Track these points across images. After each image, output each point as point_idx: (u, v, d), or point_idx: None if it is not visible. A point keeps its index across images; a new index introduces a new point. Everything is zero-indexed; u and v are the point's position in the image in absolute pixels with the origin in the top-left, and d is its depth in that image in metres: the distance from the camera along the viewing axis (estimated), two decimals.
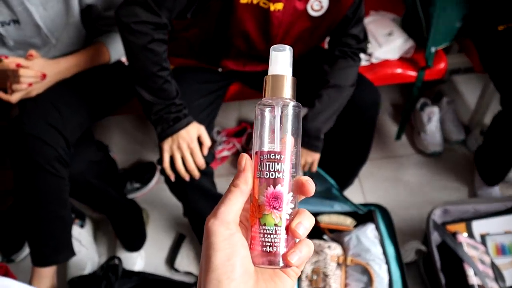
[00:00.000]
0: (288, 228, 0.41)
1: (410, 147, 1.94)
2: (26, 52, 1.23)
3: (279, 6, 1.13)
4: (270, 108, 0.42)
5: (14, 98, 1.17)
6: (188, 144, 1.15)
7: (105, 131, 1.99)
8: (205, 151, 1.19)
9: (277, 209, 0.41)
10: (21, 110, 1.19)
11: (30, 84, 1.17)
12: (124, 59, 1.42)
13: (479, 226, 1.45)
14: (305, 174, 1.41)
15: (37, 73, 1.17)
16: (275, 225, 0.40)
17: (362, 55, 1.44)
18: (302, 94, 1.41)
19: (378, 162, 1.87)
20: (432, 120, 1.88)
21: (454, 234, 1.38)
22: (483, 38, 1.57)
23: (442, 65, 1.64)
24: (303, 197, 0.43)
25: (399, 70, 1.63)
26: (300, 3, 1.16)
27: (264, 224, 0.41)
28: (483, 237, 1.43)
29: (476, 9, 1.59)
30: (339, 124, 1.32)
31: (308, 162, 1.31)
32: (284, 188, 0.41)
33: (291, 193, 0.41)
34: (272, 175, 0.41)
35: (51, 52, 1.29)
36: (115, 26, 1.31)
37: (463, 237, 1.38)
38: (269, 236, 0.40)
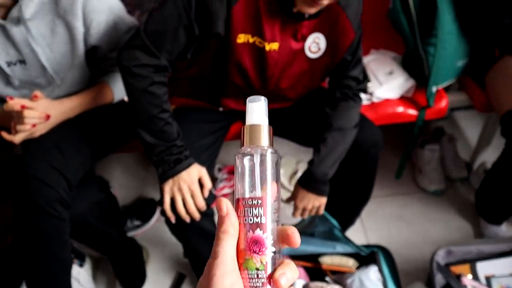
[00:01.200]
0: (270, 277, 0.42)
1: (412, 185, 1.94)
2: (30, 91, 1.24)
3: (275, 46, 1.15)
4: (249, 156, 0.44)
5: (18, 138, 1.18)
6: (189, 186, 1.15)
7: (106, 167, 1.99)
8: (206, 193, 1.19)
9: (257, 253, 0.42)
10: (24, 151, 1.20)
11: (34, 125, 1.18)
12: (127, 98, 1.43)
13: (484, 268, 1.43)
14: (313, 218, 1.41)
15: (41, 114, 1.18)
16: (257, 269, 0.42)
17: (362, 95, 1.45)
18: (304, 135, 1.43)
19: (380, 200, 1.86)
20: (433, 157, 1.88)
21: (458, 277, 1.36)
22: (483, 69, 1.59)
23: (443, 104, 1.65)
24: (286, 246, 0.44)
25: (400, 109, 1.64)
26: (297, 44, 1.18)
27: (247, 269, 0.42)
28: (488, 279, 1.41)
29: (476, 47, 1.62)
30: (341, 164, 1.32)
31: (315, 206, 1.31)
32: (264, 233, 0.42)
33: (271, 238, 0.42)
34: (251, 220, 0.42)
35: (55, 92, 1.31)
36: None
37: (468, 279, 1.36)
38: (251, 280, 0.42)
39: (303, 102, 1.36)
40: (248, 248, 0.42)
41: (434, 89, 1.60)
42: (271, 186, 0.43)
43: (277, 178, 0.44)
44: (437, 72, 1.58)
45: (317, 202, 1.30)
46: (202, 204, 1.17)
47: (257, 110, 0.45)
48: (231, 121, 1.47)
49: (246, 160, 0.44)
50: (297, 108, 1.40)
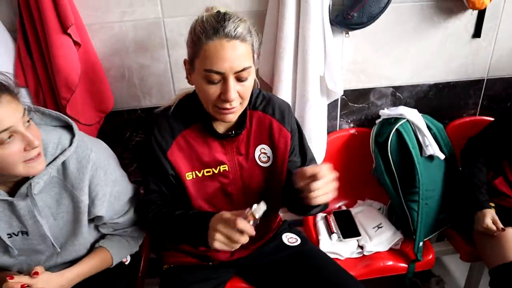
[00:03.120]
0: None
1: None
2: (28, 258, 1.24)
3: (224, 167, 1.25)
4: None
5: None
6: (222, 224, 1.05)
7: None
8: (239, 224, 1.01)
9: None
10: None
11: None
12: (124, 259, 1.44)
13: None
14: None
15: None
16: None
17: (354, 247, 1.52)
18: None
19: None
20: None
21: None
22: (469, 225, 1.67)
23: (430, 256, 1.70)
24: None
25: (390, 263, 1.68)
26: (242, 157, 1.27)
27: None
28: None
29: (456, 200, 1.72)
30: None
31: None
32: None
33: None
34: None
35: (53, 259, 1.31)
36: (118, 230, 1.37)
37: None
38: None
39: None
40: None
41: (421, 244, 1.66)
42: None
43: None
44: (422, 228, 1.66)
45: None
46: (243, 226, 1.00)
47: None
48: (227, 277, 1.47)
49: None
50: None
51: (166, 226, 1.22)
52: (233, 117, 1.15)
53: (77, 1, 1.48)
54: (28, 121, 1.05)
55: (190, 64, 1.14)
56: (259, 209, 1.02)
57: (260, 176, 1.31)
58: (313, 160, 1.41)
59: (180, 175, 1.23)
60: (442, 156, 1.69)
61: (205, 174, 1.25)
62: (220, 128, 1.25)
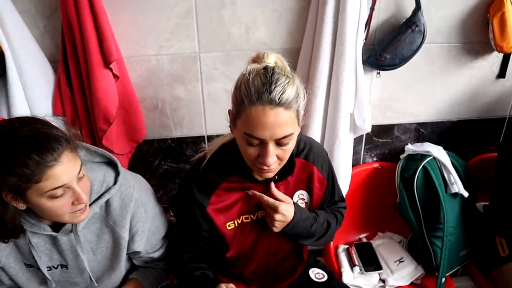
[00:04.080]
0: None
1: None
2: None
3: (262, 213, 1.26)
4: None
5: None
6: None
7: None
8: None
9: None
10: None
11: None
12: None
13: None
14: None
15: None
16: None
17: (376, 281, 1.62)
18: None
19: None
20: None
21: None
22: (488, 264, 1.69)
23: None
24: None
25: None
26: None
27: None
28: None
29: (479, 237, 1.75)
30: None
31: (280, 221, 1.21)
32: None
33: None
34: None
35: None
36: (151, 263, 1.39)
37: None
38: None
39: None
40: None
41: (443, 280, 1.69)
42: None
43: None
44: (444, 264, 1.69)
45: (284, 223, 1.22)
46: None
47: None
48: None
49: None
50: None
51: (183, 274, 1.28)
52: (271, 175, 1.15)
53: (117, 35, 1.51)
54: (82, 176, 1.08)
55: (233, 119, 1.10)
56: None
57: None
58: (340, 201, 1.44)
59: (220, 227, 1.23)
60: (466, 194, 1.72)
61: (244, 220, 1.26)
62: (259, 176, 1.23)
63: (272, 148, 1.04)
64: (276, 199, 1.20)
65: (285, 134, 1.02)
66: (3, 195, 1.00)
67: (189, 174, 1.28)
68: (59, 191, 1.01)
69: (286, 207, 1.19)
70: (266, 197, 1.19)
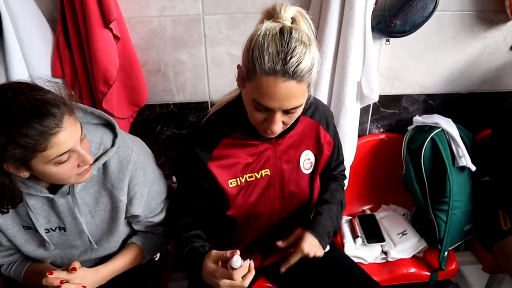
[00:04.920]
0: None
1: None
2: (62, 251, 1.27)
3: (266, 171, 1.24)
4: None
5: None
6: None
7: None
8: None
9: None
10: None
11: None
12: (154, 256, 1.46)
13: None
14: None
15: (78, 286, 1.18)
16: None
17: (378, 253, 1.60)
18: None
19: None
20: None
21: None
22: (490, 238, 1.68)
23: (453, 266, 1.71)
24: None
25: (412, 270, 1.69)
26: (286, 162, 1.25)
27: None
28: None
29: (483, 212, 1.73)
30: None
31: (317, 255, 1.27)
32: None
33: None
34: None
35: (87, 254, 1.32)
36: (151, 228, 1.38)
37: None
38: None
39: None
40: None
41: (445, 254, 1.67)
42: None
43: None
44: (448, 238, 1.67)
45: (319, 252, 1.27)
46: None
47: None
48: (254, 278, 1.49)
49: None
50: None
51: (177, 247, 1.26)
52: (274, 135, 1.13)
53: None
54: (83, 137, 1.06)
55: (241, 78, 1.05)
56: (235, 262, 1.05)
57: (302, 182, 1.31)
58: (341, 164, 1.43)
59: (222, 184, 1.21)
60: (473, 168, 1.68)
61: (248, 179, 1.24)
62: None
63: (279, 116, 1.02)
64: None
65: (294, 105, 0.99)
66: (4, 166, 0.98)
67: (190, 132, 1.25)
68: (64, 157, 1.00)
69: (309, 242, 1.24)
70: (294, 259, 1.22)
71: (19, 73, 1.42)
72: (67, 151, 0.99)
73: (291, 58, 0.92)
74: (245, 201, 1.25)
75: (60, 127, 0.96)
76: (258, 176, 1.24)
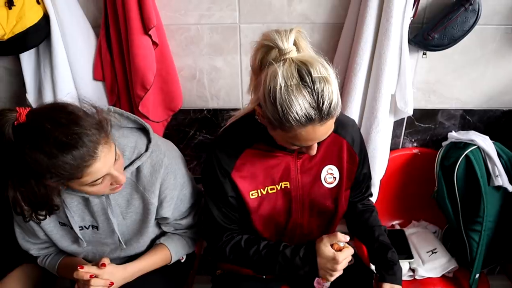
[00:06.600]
0: None
1: None
2: (94, 248, 1.33)
3: (286, 184, 1.24)
4: None
5: None
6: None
7: None
8: None
9: None
10: None
11: None
12: (180, 258, 1.49)
13: None
14: None
15: (106, 282, 1.22)
16: None
17: (406, 270, 1.60)
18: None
19: None
20: None
21: None
22: None
23: None
24: None
25: None
26: (307, 176, 1.25)
27: None
28: None
29: None
30: None
31: None
32: None
33: None
34: None
35: (117, 252, 1.37)
36: (179, 230, 1.41)
37: None
38: None
39: None
40: None
41: (477, 276, 1.62)
42: None
43: None
44: (480, 259, 1.61)
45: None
46: None
47: None
48: (277, 287, 1.49)
49: None
50: None
51: (250, 260, 1.26)
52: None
53: (158, 2, 1.51)
54: (117, 158, 1.10)
55: (269, 123, 1.03)
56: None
57: (323, 196, 1.31)
58: (369, 178, 1.42)
59: (243, 195, 1.23)
60: (511, 188, 1.62)
61: (269, 191, 1.25)
62: None
63: (316, 145, 1.08)
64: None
65: (328, 135, 1.04)
66: (44, 182, 1.02)
67: (214, 142, 1.28)
68: (99, 181, 1.06)
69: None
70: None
71: (63, 73, 1.51)
72: (101, 177, 1.05)
73: (323, 104, 0.93)
74: (265, 212, 1.27)
75: (95, 158, 1.00)
76: (278, 188, 1.25)
